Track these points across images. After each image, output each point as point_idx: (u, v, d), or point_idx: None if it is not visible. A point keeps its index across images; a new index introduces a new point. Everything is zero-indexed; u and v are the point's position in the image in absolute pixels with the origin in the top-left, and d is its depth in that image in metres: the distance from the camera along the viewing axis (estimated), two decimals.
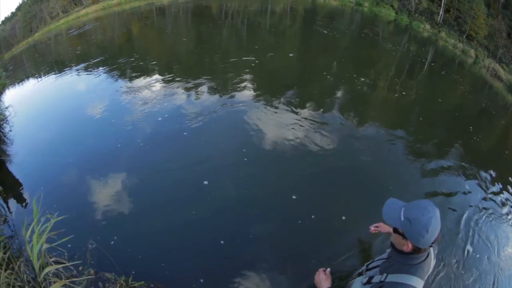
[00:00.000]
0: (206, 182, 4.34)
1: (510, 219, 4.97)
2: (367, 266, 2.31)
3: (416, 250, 1.83)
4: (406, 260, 1.89)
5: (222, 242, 3.60)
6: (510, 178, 6.01)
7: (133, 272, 3.13)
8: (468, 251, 4.08)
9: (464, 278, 3.73)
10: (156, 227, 3.73)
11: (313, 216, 3.94)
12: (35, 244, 2.48)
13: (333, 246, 3.67)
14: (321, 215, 4.00)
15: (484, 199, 5.20)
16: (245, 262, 3.44)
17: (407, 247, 1.83)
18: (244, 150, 4.98)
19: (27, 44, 20.99)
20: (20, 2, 34.49)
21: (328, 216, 4.07)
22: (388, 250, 2.13)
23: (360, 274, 2.34)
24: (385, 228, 3.13)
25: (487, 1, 22.86)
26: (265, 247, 3.60)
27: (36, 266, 2.49)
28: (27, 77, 9.74)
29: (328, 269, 2.64)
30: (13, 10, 34.85)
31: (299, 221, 3.91)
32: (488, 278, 3.85)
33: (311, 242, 3.70)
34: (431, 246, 1.83)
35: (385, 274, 1.96)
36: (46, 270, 2.46)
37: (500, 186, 5.69)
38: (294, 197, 4.22)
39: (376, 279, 2.00)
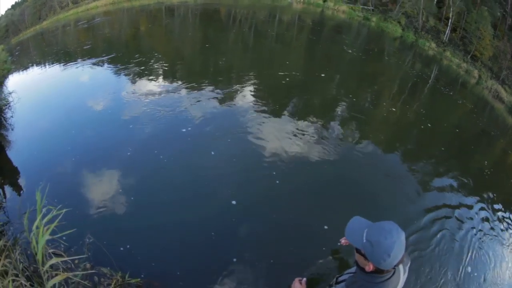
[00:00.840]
0: (234, 202, 4.23)
1: (507, 239, 5.05)
2: (336, 278, 2.32)
3: (379, 271, 1.80)
4: (369, 278, 1.86)
5: (234, 259, 3.54)
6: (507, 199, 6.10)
7: (130, 269, 3.13)
8: (466, 269, 4.14)
9: None
10: (158, 228, 3.73)
11: (339, 244, 3.88)
12: (40, 236, 2.48)
13: None
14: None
15: (483, 218, 5.28)
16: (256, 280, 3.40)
17: (369, 267, 1.79)
18: (274, 173, 4.84)
19: (35, 31, 21.01)
20: None
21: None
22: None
23: (330, 286, 2.31)
24: None
25: (494, 22, 22.98)
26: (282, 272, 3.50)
27: (40, 257, 2.49)
28: (33, 65, 9.77)
29: (304, 279, 2.66)
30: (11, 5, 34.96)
31: (324, 248, 3.81)
32: None
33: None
34: (394, 268, 1.81)
35: None
36: (50, 262, 2.46)
37: (500, 206, 5.77)
38: (325, 227, 4.09)
39: None
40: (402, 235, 1.72)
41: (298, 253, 3.69)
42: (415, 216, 4.70)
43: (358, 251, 1.83)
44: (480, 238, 4.76)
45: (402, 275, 1.94)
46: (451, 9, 23.27)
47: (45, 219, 2.67)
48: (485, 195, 5.98)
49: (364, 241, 1.75)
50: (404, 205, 4.95)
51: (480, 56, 22.25)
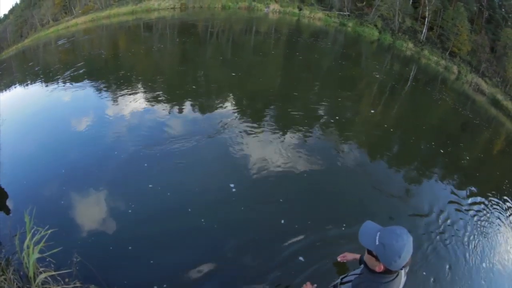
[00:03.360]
0: (222, 220, 4.30)
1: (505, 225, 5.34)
2: (341, 279, 2.45)
3: (387, 272, 1.94)
4: (377, 278, 1.99)
5: (230, 271, 3.64)
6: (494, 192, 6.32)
7: (116, 284, 3.28)
8: (470, 261, 4.39)
9: None
10: (140, 244, 3.83)
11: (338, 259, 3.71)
12: (31, 254, 2.70)
13: None
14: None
15: (477, 207, 5.58)
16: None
17: (379, 268, 1.93)
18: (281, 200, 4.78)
19: (17, 49, 20.91)
20: (13, 5, 34.45)
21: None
22: (362, 266, 2.26)
23: (335, 287, 2.47)
24: (351, 256, 3.40)
25: (471, 17, 23.47)
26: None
27: (32, 273, 2.70)
28: (16, 86, 9.73)
29: (315, 285, 2.88)
30: (6, 12, 34.85)
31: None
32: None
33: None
34: (401, 269, 1.96)
35: None
36: (41, 276, 2.68)
37: (491, 194, 6.07)
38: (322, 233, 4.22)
39: None
40: (411, 239, 1.87)
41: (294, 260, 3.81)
42: (410, 215, 4.93)
43: (370, 252, 1.97)
44: (479, 228, 5.06)
45: (403, 277, 2.09)
46: (427, 8, 23.80)
47: (34, 239, 2.85)
48: (477, 186, 6.29)
49: (377, 243, 1.88)
50: (397, 205, 5.14)
51: (458, 51, 22.73)
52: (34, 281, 2.73)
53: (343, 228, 4.30)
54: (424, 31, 23.72)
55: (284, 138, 6.30)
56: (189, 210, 4.37)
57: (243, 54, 14.24)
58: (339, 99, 9.20)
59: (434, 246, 4.40)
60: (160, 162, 5.28)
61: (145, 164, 5.16)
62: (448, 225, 4.88)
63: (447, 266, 4.20)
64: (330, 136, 6.83)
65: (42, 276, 2.74)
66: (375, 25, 23.71)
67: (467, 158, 7.58)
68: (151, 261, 3.66)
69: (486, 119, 13.83)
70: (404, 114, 9.46)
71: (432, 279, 3.94)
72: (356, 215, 4.57)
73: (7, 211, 4.23)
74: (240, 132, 6.34)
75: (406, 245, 1.83)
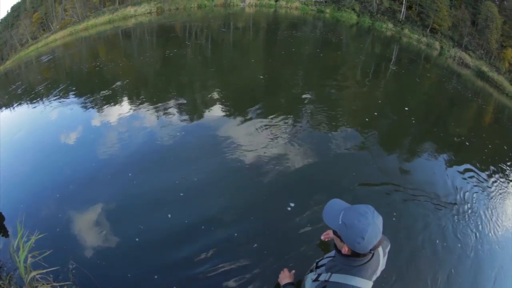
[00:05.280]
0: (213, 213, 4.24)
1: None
2: (317, 263, 2.37)
3: (355, 255, 1.84)
4: (348, 261, 1.89)
5: (220, 262, 3.60)
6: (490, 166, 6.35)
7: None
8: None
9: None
10: (136, 252, 3.81)
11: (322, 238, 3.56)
12: (21, 251, 2.81)
13: None
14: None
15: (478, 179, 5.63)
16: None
17: (344, 250, 1.84)
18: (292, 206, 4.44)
19: None
20: None
21: None
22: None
23: (311, 271, 2.37)
24: None
25: None
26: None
27: (23, 271, 2.81)
28: (1, 109, 9.66)
29: (293, 271, 2.89)
30: None
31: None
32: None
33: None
34: (371, 252, 1.83)
35: (329, 273, 1.97)
36: (32, 274, 2.78)
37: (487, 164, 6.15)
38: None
39: (322, 277, 2.01)
40: (378, 220, 1.77)
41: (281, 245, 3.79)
42: (413, 188, 4.85)
43: (335, 233, 1.88)
44: (484, 198, 5.14)
45: (382, 257, 2.00)
46: None
47: (23, 240, 2.94)
48: (478, 155, 6.49)
49: (340, 222, 1.80)
50: (398, 183, 4.98)
51: (439, 27, 22.90)
52: (27, 278, 2.81)
53: None
54: (403, 10, 23.82)
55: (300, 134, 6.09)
56: (190, 204, 4.34)
57: (224, 52, 13.99)
58: (323, 86, 9.06)
59: (442, 221, 4.41)
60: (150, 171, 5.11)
61: (135, 171, 5.07)
62: (454, 199, 4.88)
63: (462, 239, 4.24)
64: (318, 123, 6.63)
65: (33, 274, 2.81)
66: (353, 9, 23.75)
67: (461, 129, 7.68)
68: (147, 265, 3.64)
69: (474, 91, 13.97)
70: (391, 93, 9.47)
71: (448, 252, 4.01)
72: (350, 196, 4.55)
73: (5, 233, 4.22)
74: (257, 138, 5.89)
75: (370, 225, 1.73)
